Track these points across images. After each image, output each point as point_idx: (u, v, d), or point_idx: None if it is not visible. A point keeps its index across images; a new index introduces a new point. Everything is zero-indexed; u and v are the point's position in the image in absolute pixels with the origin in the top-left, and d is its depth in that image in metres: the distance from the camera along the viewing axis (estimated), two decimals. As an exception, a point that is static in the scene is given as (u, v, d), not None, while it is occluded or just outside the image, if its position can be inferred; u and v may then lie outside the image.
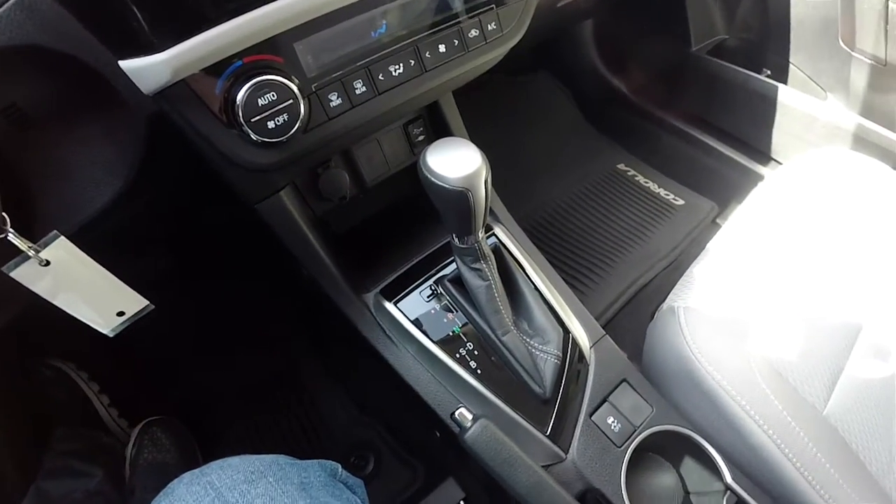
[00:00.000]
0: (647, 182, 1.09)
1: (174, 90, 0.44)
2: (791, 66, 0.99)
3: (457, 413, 0.48)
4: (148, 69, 0.43)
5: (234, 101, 0.45)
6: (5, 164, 0.48)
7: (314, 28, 0.47)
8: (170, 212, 0.73)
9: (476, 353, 0.58)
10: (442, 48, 0.54)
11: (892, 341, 0.74)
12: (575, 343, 0.60)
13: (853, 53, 0.93)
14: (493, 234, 0.64)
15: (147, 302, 0.50)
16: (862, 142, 0.97)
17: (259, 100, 0.46)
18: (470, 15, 0.54)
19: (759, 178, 1.02)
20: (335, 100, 0.50)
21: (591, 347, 0.61)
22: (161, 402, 0.91)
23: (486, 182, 0.48)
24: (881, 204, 0.80)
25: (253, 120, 0.46)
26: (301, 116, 0.47)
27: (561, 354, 0.58)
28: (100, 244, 0.54)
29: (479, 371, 0.57)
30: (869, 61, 0.92)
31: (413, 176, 0.51)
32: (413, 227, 0.65)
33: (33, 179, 0.50)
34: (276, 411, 0.90)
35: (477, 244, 0.53)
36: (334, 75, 0.49)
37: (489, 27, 0.56)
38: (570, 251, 0.98)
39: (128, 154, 0.52)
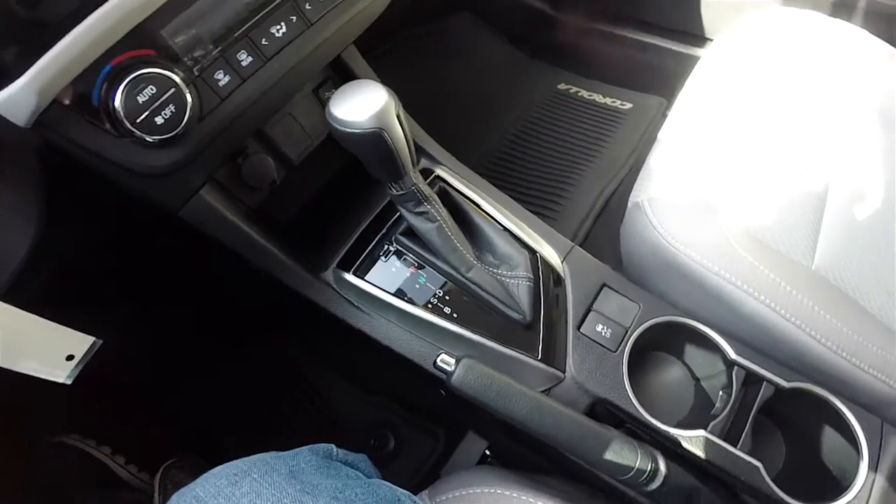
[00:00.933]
0: (591, 95, 1.07)
1: (50, 114, 0.42)
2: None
3: (438, 360, 0.46)
4: (13, 98, 0.40)
5: (114, 106, 0.43)
6: None
7: (176, 8, 0.44)
8: (117, 242, 0.70)
9: (447, 297, 0.56)
10: (321, -5, 0.50)
11: (864, 182, 0.72)
12: (544, 261, 0.59)
13: None
14: (437, 178, 0.61)
15: (93, 338, 0.48)
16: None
17: (139, 97, 0.43)
18: None
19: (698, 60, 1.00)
20: (223, 78, 0.47)
21: (562, 262, 0.60)
22: (171, 440, 0.89)
23: (398, 117, 0.45)
24: (821, 54, 0.78)
25: (139, 120, 0.43)
26: (190, 104, 0.45)
27: (532, 276, 0.56)
28: (52, 294, 0.52)
29: (454, 315, 0.56)
30: None
31: None
32: (356, 192, 0.63)
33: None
34: (286, 416, 0.89)
35: (414, 186, 0.50)
36: (214, 53, 0.46)
37: (366, -40, 0.53)
38: (531, 182, 0.96)
39: (30, 195, 0.49)
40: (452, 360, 0.47)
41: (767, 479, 0.54)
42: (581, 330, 0.57)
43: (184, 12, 0.45)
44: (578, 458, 0.48)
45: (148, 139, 0.44)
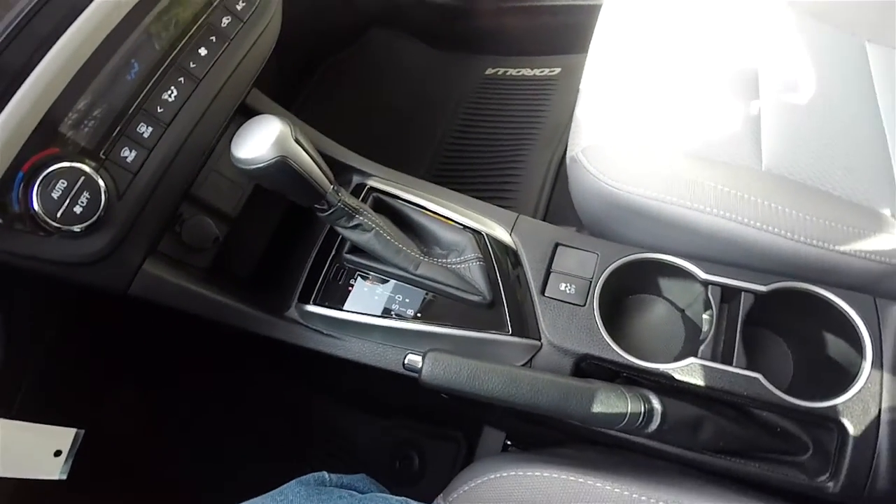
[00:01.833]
0: (519, 71, 1.08)
1: None
2: None
3: (406, 361, 0.46)
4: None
5: (34, 209, 0.44)
6: None
7: (67, 103, 0.46)
8: (85, 335, 0.71)
9: (408, 300, 0.57)
10: (203, 51, 0.52)
11: (792, 71, 0.72)
12: (492, 238, 0.59)
13: None
14: (370, 189, 0.62)
15: (74, 430, 0.48)
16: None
17: (52, 194, 0.44)
18: (212, 4, 0.53)
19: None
20: (129, 154, 0.48)
21: (511, 234, 0.60)
22: None
23: (298, 140, 0.46)
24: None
25: (59, 215, 0.45)
26: (104, 187, 0.46)
27: (480, 255, 0.56)
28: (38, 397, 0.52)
29: (419, 315, 0.56)
30: None
31: None
32: (301, 226, 0.64)
33: None
34: (304, 459, 0.88)
35: (340, 202, 0.51)
36: (115, 133, 0.48)
37: (238, 6, 0.54)
38: (483, 171, 0.97)
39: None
40: (419, 358, 0.47)
41: (770, 387, 0.53)
42: (546, 294, 0.57)
43: (75, 105, 0.46)
44: (569, 418, 0.48)
45: (75, 229, 0.46)
